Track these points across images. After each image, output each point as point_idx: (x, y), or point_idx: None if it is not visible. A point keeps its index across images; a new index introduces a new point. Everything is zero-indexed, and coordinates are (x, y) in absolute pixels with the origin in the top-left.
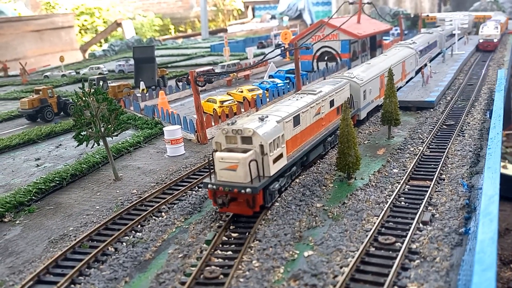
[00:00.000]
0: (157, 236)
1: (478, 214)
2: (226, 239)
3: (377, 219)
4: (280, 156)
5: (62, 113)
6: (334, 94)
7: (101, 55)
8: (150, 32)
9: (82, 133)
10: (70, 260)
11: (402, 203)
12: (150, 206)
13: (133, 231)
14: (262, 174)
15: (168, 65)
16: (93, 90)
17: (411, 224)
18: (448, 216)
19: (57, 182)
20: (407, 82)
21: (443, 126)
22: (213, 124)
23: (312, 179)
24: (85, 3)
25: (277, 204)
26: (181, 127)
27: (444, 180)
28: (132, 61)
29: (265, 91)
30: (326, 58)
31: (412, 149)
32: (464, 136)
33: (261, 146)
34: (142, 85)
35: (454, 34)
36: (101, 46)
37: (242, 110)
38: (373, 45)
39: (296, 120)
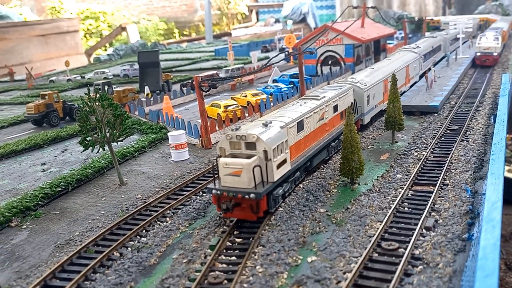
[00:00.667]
0: (161, 241)
1: (481, 220)
2: (230, 244)
3: (381, 224)
4: (284, 161)
5: (67, 117)
6: (337, 99)
7: (106, 59)
8: (154, 36)
9: (88, 139)
10: (76, 265)
11: (406, 208)
12: (154, 211)
13: (138, 236)
14: (266, 180)
15: (173, 69)
16: (99, 95)
17: (414, 230)
18: (451, 222)
19: (63, 187)
20: (411, 86)
21: (447, 131)
22: (217, 129)
23: (315, 184)
24: (90, 7)
25: (281, 209)
26: (186, 132)
27: (447, 185)
28: (136, 66)
29: (269, 96)
30: (330, 62)
31: (415, 154)
32: (468, 141)
33: (265, 151)
34: (146, 89)
35: (459, 38)
36: (106, 50)
37: (246, 114)
38: (377, 49)
39: (300, 126)
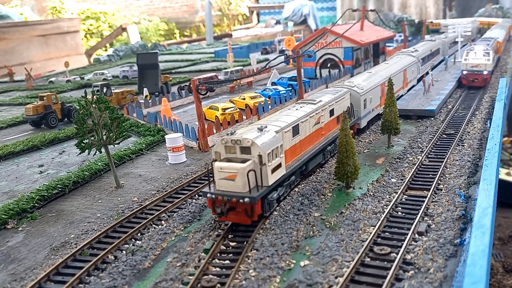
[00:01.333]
0: (156, 245)
1: (473, 225)
2: (224, 248)
3: (374, 229)
4: (279, 166)
5: (66, 119)
6: (334, 104)
7: (106, 60)
8: (155, 36)
9: (85, 141)
10: (70, 268)
11: (399, 213)
12: (150, 214)
13: (133, 239)
14: (260, 184)
15: (172, 70)
16: (96, 98)
17: (407, 234)
18: (444, 227)
19: (60, 189)
20: (408, 90)
21: (443, 135)
22: (214, 131)
23: (311, 188)
24: (91, 7)
25: (275, 213)
26: (183, 135)
27: (441, 190)
28: (136, 67)
29: (267, 99)
30: (329, 65)
31: (411, 158)
32: (463, 145)
33: (260, 156)
34: (145, 91)
35: (457, 42)
36: (106, 50)
37: (244, 117)
38: (376, 52)
39: (295, 130)
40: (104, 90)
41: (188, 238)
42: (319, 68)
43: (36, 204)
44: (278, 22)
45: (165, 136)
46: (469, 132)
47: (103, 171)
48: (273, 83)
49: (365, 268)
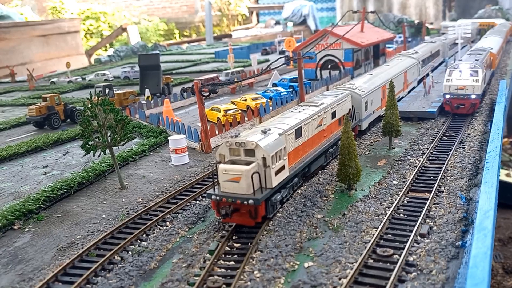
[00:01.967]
0: (161, 246)
1: (474, 227)
2: (229, 249)
3: (376, 231)
4: (282, 168)
5: (68, 120)
6: (336, 106)
7: (107, 60)
8: (155, 36)
9: (90, 143)
10: (78, 268)
11: (401, 215)
12: (155, 216)
13: (138, 240)
14: (264, 186)
15: (173, 71)
16: (101, 100)
17: (409, 236)
18: (445, 229)
19: (65, 190)
20: (409, 92)
21: (444, 137)
22: (217, 133)
23: (313, 190)
24: (91, 7)
25: (279, 214)
26: (186, 136)
27: (442, 192)
28: (137, 68)
29: (269, 100)
30: (329, 66)
31: (412, 160)
32: (464, 147)
33: (264, 158)
34: (147, 92)
35: (457, 43)
36: (106, 50)
37: (246, 119)
38: (376, 53)
39: (298, 132)
40: (107, 91)
41: (193, 239)
42: (319, 69)
43: (42, 205)
44: (277, 23)
45: (168, 138)
46: (469, 134)
47: (107, 172)
48: (274, 84)
49: (368, 269)
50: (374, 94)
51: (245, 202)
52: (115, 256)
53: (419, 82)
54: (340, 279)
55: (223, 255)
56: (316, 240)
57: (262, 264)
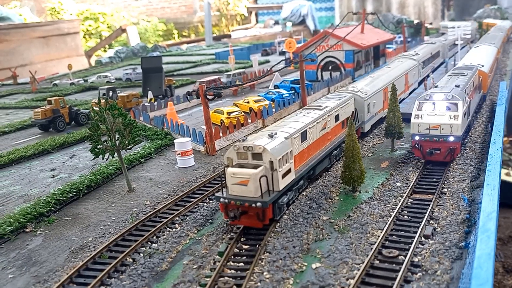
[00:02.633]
0: (172, 247)
1: (477, 229)
2: (238, 250)
3: (381, 232)
4: (289, 171)
5: (73, 123)
6: (339, 109)
7: (107, 62)
8: (153, 37)
9: (98, 147)
10: (91, 270)
11: (405, 216)
12: (164, 218)
13: (149, 242)
14: (271, 189)
15: (174, 72)
16: (109, 105)
17: (414, 237)
18: (449, 230)
19: (74, 193)
20: (410, 93)
21: None
22: (221, 135)
23: (318, 192)
24: (89, 8)
25: (285, 216)
26: (191, 139)
27: (445, 194)
28: (139, 69)
29: (271, 102)
30: (330, 68)
31: (414, 162)
32: (465, 149)
33: (271, 162)
34: (150, 94)
35: (457, 44)
36: (105, 51)
37: (249, 121)
38: (376, 54)
39: (304, 136)
40: (110, 93)
41: (202, 241)
42: (320, 71)
43: (52, 208)
44: (276, 23)
45: (174, 141)
46: (470, 136)
47: (115, 175)
48: (276, 86)
49: (375, 270)
50: (376, 97)
51: (253, 205)
52: (127, 258)
53: (419, 84)
54: (347, 279)
55: (232, 257)
56: (323, 241)
57: (271, 265)
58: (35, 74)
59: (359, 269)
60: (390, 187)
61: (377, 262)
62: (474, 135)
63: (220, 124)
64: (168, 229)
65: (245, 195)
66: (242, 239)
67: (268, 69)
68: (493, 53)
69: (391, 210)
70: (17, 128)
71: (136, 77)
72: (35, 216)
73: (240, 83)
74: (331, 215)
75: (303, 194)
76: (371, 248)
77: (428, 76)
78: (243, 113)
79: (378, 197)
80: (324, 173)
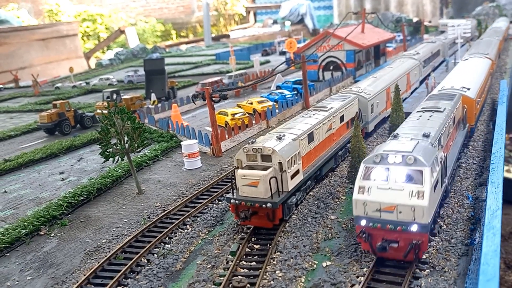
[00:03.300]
0: (185, 248)
1: (483, 225)
2: (250, 250)
3: None
4: (297, 172)
5: (78, 126)
6: (344, 110)
7: (108, 64)
8: (152, 37)
9: (108, 150)
10: (108, 271)
11: None
12: (175, 219)
13: (162, 243)
14: (281, 190)
15: (175, 74)
16: (119, 109)
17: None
18: (454, 228)
19: (85, 196)
20: (411, 92)
21: None
22: (226, 137)
23: (325, 192)
24: (87, 9)
25: (294, 216)
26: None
27: (450, 192)
28: (140, 72)
29: (274, 103)
30: (331, 67)
31: None
32: (468, 148)
33: (280, 163)
34: (153, 96)
35: (457, 42)
36: (104, 53)
37: (254, 122)
38: (377, 53)
39: (310, 137)
40: (114, 96)
41: (214, 241)
42: (321, 71)
43: (64, 211)
44: (275, 22)
45: (181, 143)
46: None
47: (123, 178)
48: (278, 87)
49: (384, 267)
50: (379, 97)
51: (264, 206)
52: (142, 259)
53: (421, 83)
54: (358, 277)
55: (244, 256)
56: (332, 240)
57: (283, 264)
58: (37, 77)
59: (368, 267)
60: None
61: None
62: (477, 133)
63: (224, 126)
64: (179, 230)
65: (255, 196)
66: (253, 239)
67: (271, 70)
68: (484, 69)
69: None
70: (23, 131)
71: (138, 79)
72: (48, 219)
73: (243, 84)
74: (338, 215)
75: (311, 194)
76: None
77: (429, 75)
78: (247, 115)
79: None
80: (330, 173)
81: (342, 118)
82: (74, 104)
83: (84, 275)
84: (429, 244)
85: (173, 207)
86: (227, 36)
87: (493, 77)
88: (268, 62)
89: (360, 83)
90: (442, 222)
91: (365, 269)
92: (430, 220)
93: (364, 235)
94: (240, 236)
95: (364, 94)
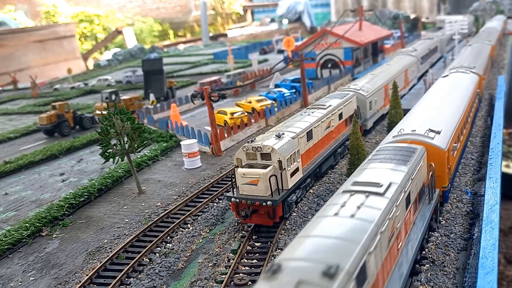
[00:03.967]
0: (186, 247)
1: (481, 220)
2: (251, 248)
3: None
4: (297, 170)
5: (78, 127)
6: (342, 107)
7: (106, 64)
8: (149, 37)
9: (108, 151)
10: (110, 271)
11: None
12: (176, 218)
13: (163, 242)
14: (281, 187)
15: (174, 74)
16: (118, 110)
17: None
18: (454, 223)
19: (86, 196)
20: (410, 89)
21: None
22: (226, 136)
23: (325, 189)
24: (84, 10)
25: (294, 214)
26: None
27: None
28: (139, 72)
29: (273, 101)
30: (329, 65)
31: None
32: (466, 143)
33: (280, 161)
34: (151, 97)
35: (454, 39)
36: (101, 54)
37: (253, 121)
38: (375, 50)
39: (309, 135)
40: (113, 97)
41: (215, 239)
42: (319, 69)
43: (66, 212)
44: (273, 20)
45: (181, 143)
46: (471, 130)
47: (124, 178)
48: (276, 85)
49: None
50: (378, 94)
51: (264, 204)
52: (144, 258)
53: (419, 79)
54: None
55: (245, 254)
56: None
57: None
58: (36, 79)
59: None
60: None
61: None
62: (475, 129)
63: (224, 125)
64: (181, 229)
65: (255, 194)
66: (253, 237)
67: (269, 69)
68: (468, 89)
69: None
70: (22, 133)
71: (136, 80)
72: (50, 220)
73: (242, 83)
74: None
75: (310, 192)
76: None
77: (427, 71)
78: (246, 113)
79: None
80: (329, 171)
81: (340, 116)
82: (73, 105)
83: (87, 275)
84: (428, 239)
85: (174, 206)
86: (225, 35)
87: (482, 98)
88: (266, 60)
89: (358, 80)
90: (441, 217)
91: None
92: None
93: None
94: (241, 234)
95: (362, 92)
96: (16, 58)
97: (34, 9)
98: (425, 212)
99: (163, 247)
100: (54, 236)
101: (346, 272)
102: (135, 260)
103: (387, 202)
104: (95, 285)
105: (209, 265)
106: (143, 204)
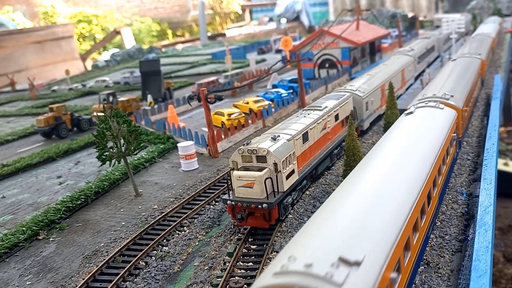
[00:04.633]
0: (182, 250)
1: (476, 222)
2: (246, 251)
3: None
4: (292, 172)
5: (75, 129)
6: (338, 109)
7: (104, 65)
8: (147, 37)
9: (105, 154)
10: (106, 275)
11: None
12: (172, 221)
13: (159, 246)
14: (276, 190)
15: (172, 74)
16: (114, 113)
17: None
18: (449, 224)
19: (83, 199)
20: (406, 89)
21: None
22: (223, 137)
23: (321, 190)
24: (82, 11)
25: (290, 216)
26: (193, 142)
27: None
28: (137, 73)
29: (270, 102)
30: (327, 65)
31: None
32: (462, 144)
33: (275, 164)
34: (149, 98)
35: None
36: (100, 54)
37: (250, 122)
38: (372, 50)
39: (305, 137)
40: (111, 99)
41: (211, 242)
42: (317, 69)
43: (62, 215)
44: (271, 20)
45: (178, 144)
46: (467, 130)
47: (121, 180)
48: (274, 86)
49: None
50: (374, 94)
51: (260, 206)
52: (140, 262)
53: (416, 79)
54: None
55: (241, 257)
56: None
57: None
58: (34, 81)
59: None
60: None
61: None
62: (471, 129)
63: (221, 126)
64: (177, 232)
65: (251, 197)
66: (249, 239)
67: (267, 69)
68: (442, 130)
69: None
70: (20, 136)
71: (134, 81)
72: (47, 223)
73: (240, 84)
74: None
75: (307, 194)
76: None
77: (424, 71)
78: (243, 114)
79: None
80: (326, 172)
81: (337, 117)
82: (71, 107)
83: (83, 279)
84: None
85: (171, 209)
86: (223, 35)
87: (460, 143)
88: (264, 60)
89: (354, 81)
90: (436, 219)
91: None
92: None
93: None
94: (237, 237)
95: (359, 92)
96: (15, 59)
97: (32, 10)
98: None
99: (159, 250)
100: (51, 239)
101: None
102: (131, 263)
103: None
104: None
105: (205, 268)
106: (139, 207)
